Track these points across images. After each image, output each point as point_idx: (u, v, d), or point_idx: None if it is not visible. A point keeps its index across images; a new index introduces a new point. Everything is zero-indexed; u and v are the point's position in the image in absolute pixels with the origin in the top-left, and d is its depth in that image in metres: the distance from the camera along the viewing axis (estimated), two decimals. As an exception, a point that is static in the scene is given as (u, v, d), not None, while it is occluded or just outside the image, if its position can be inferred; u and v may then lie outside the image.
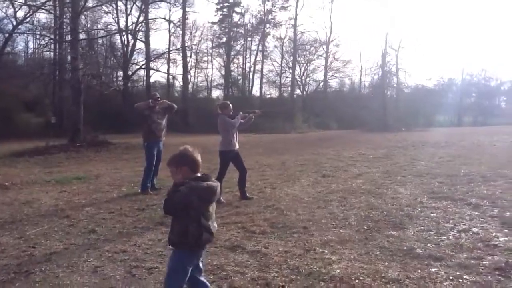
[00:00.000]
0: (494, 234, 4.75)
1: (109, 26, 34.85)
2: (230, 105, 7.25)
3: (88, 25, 32.75)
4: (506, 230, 4.85)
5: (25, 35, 34.51)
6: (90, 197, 7.69)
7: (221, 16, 45.23)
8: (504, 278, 3.58)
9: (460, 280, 3.57)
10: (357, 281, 3.61)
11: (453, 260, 4.01)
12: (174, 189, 2.89)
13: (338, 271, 3.83)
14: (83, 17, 27.58)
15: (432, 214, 5.66)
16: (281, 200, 6.88)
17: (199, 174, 2.98)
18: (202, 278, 3.16)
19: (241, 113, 7.27)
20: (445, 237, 4.71)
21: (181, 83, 41.51)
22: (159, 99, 8.31)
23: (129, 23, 36.57)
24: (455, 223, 5.21)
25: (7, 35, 30.46)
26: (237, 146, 7.18)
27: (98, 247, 4.79)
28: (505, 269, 3.75)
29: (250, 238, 4.93)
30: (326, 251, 4.40)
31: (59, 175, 10.48)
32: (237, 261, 4.17)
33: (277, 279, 3.70)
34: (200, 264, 3.10)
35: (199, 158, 3.01)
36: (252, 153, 14.58)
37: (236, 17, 45.89)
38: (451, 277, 3.62)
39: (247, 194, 7.17)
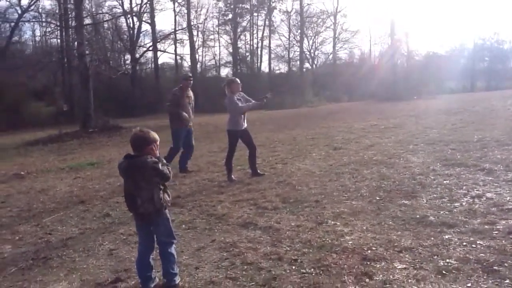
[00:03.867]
0: (508, 198, 4.69)
1: (113, 9, 34.77)
2: (237, 79, 7.04)
3: (93, 10, 32.66)
4: (520, 194, 4.79)
5: (31, 23, 34.64)
6: (104, 181, 7.78)
7: (225, -7, 44.56)
8: (518, 242, 3.54)
9: (473, 245, 3.54)
10: (369, 251, 3.61)
11: (466, 226, 3.99)
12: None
13: (350, 242, 3.84)
14: (87, 1, 27.50)
15: (445, 182, 5.60)
16: (293, 175, 6.87)
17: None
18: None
19: (253, 101, 7.06)
20: (458, 204, 4.67)
21: (189, 63, 41.31)
22: (191, 78, 8.01)
23: (133, 5, 36.34)
24: (469, 189, 5.15)
25: (13, 24, 30.59)
26: (245, 125, 7.07)
27: (113, 230, 4.87)
28: (519, 232, 3.71)
29: (262, 214, 4.95)
30: (338, 223, 4.40)
31: (73, 162, 10.62)
32: (249, 238, 4.20)
33: (289, 253, 3.72)
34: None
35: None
36: (263, 129, 14.55)
37: (241, -8, 45.16)
38: (464, 243, 3.60)
39: (259, 171, 7.17)
